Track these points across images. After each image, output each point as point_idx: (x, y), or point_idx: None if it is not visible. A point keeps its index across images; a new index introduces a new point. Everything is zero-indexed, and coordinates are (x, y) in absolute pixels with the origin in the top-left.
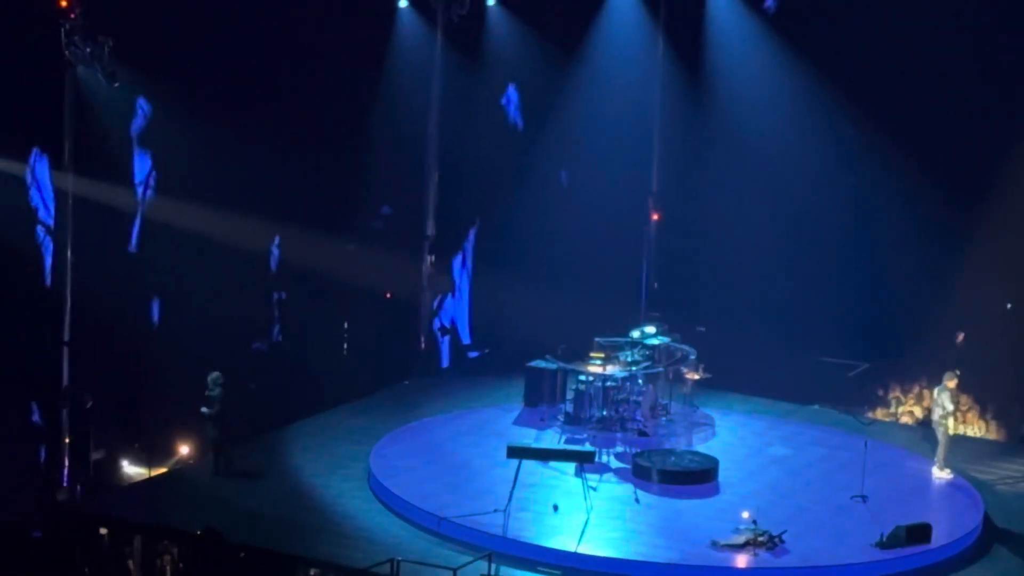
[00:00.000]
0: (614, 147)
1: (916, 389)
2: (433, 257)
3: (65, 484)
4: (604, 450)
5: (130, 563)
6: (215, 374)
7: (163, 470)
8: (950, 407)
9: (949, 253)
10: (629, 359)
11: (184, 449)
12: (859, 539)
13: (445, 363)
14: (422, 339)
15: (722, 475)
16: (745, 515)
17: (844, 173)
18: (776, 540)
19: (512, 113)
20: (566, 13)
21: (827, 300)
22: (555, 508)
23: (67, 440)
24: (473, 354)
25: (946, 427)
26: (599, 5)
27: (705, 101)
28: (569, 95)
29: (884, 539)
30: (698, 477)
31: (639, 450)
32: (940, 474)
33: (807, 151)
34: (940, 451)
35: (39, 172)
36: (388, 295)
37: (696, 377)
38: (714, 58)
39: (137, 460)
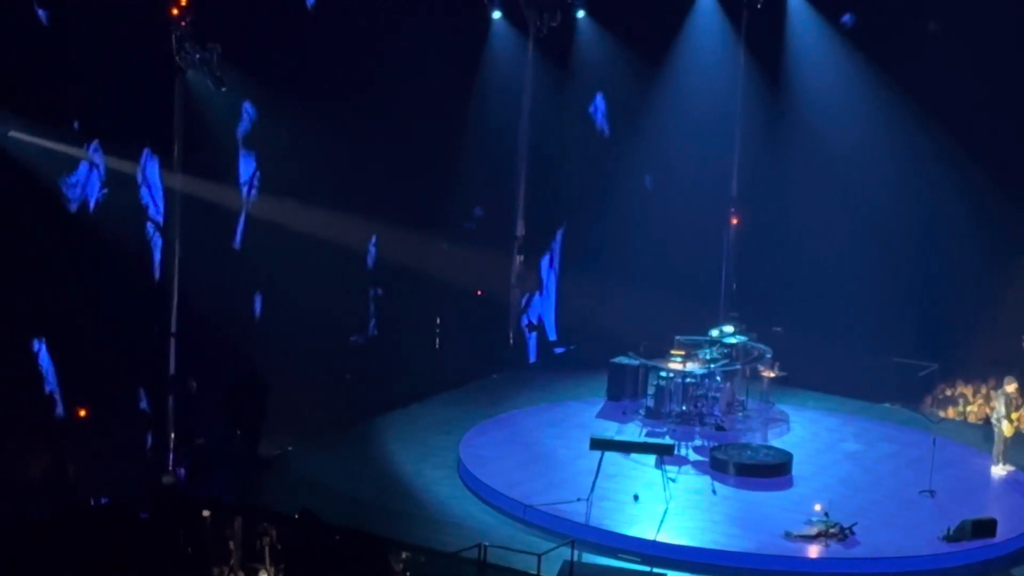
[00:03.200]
0: (696, 153)
1: (983, 390)
2: (522, 256)
3: (170, 468)
4: (683, 443)
5: (231, 544)
6: None
7: (263, 455)
8: (1003, 410)
9: (1018, 256)
10: (708, 357)
11: (283, 436)
12: (926, 532)
13: (532, 358)
14: (511, 335)
15: (796, 469)
16: (817, 507)
17: (916, 179)
18: (847, 532)
19: (599, 120)
20: (652, 24)
21: (899, 301)
22: (635, 498)
23: (172, 426)
24: (559, 350)
25: (1000, 428)
26: (683, 17)
27: (784, 109)
28: (654, 103)
29: (950, 532)
30: (773, 470)
31: (717, 444)
32: (997, 470)
33: (881, 158)
34: (995, 449)
35: (150, 172)
36: (479, 292)
37: (772, 375)
38: (793, 68)
39: (238, 445)
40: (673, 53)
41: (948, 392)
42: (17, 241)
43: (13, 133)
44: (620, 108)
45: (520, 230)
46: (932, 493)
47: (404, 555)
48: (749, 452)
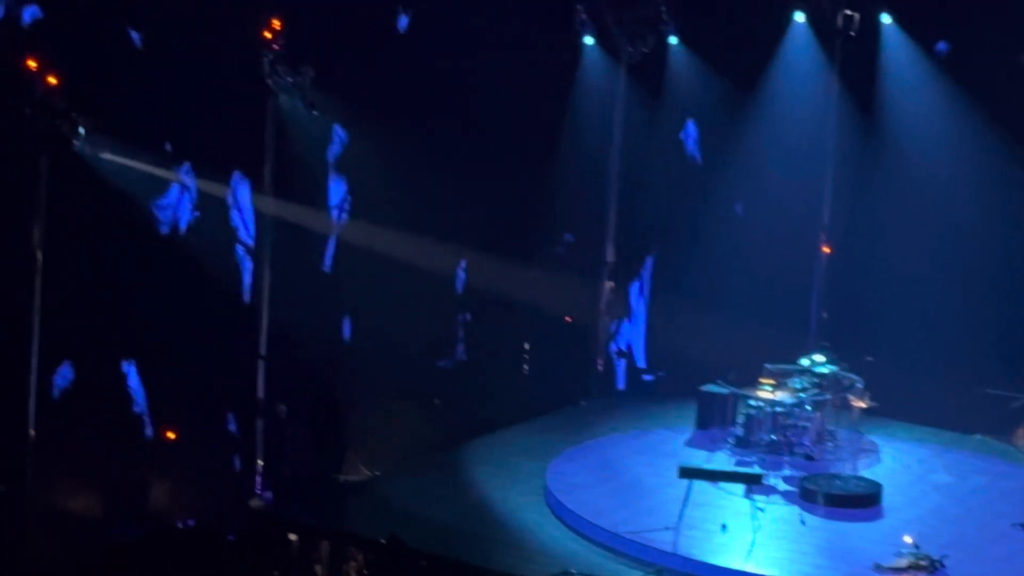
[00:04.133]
0: (788, 181)
1: None
2: (612, 283)
3: (258, 491)
4: (772, 473)
5: (318, 568)
6: None
7: (350, 480)
8: None
9: None
10: (798, 386)
11: (369, 460)
12: (1018, 566)
13: (621, 385)
14: (599, 361)
15: (886, 500)
16: (907, 539)
17: (1010, 210)
18: (937, 564)
19: (690, 146)
20: (744, 51)
21: (992, 332)
22: (723, 527)
23: (260, 449)
24: (648, 377)
25: None
26: (776, 44)
27: (877, 138)
28: (746, 130)
29: None
30: (862, 501)
31: (806, 474)
32: None
33: (974, 188)
34: None
35: (240, 195)
36: (568, 318)
37: (863, 405)
38: (886, 96)
39: (326, 470)
40: (765, 80)
41: None
42: (107, 262)
43: (105, 155)
44: (711, 135)
45: (610, 256)
46: None
47: None
48: (839, 482)
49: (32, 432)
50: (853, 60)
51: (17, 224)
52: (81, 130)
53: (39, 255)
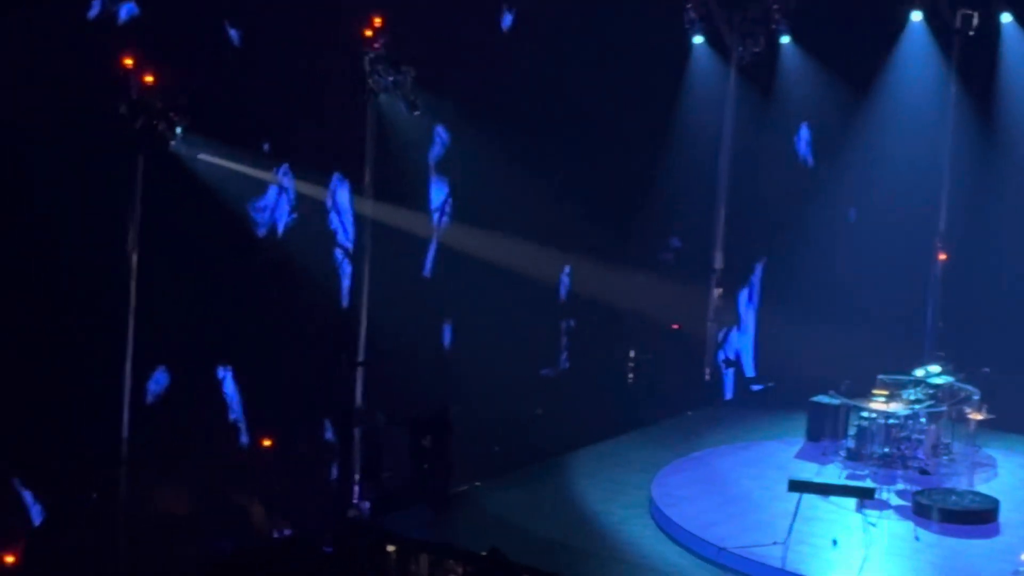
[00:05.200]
0: (903, 186)
1: None
2: (720, 290)
3: (355, 501)
4: (885, 487)
5: None
6: None
7: (451, 491)
8: None
9: None
10: (912, 397)
11: (470, 471)
12: None
13: (729, 395)
14: (707, 371)
15: (1003, 516)
16: None
17: None
18: None
19: (802, 149)
20: (859, 51)
21: None
22: (834, 543)
23: (358, 458)
24: (757, 387)
25: None
26: (892, 43)
27: (995, 141)
28: (859, 133)
29: None
30: (979, 517)
31: (920, 488)
32: None
33: None
34: None
35: (340, 197)
36: (675, 326)
37: (979, 417)
38: (1006, 97)
39: (425, 480)
40: (880, 80)
41: None
42: (204, 265)
43: (203, 155)
44: (824, 137)
45: (718, 262)
46: None
47: None
48: (954, 497)
49: (125, 439)
50: (971, 60)
51: (112, 226)
52: (178, 129)
53: (134, 257)
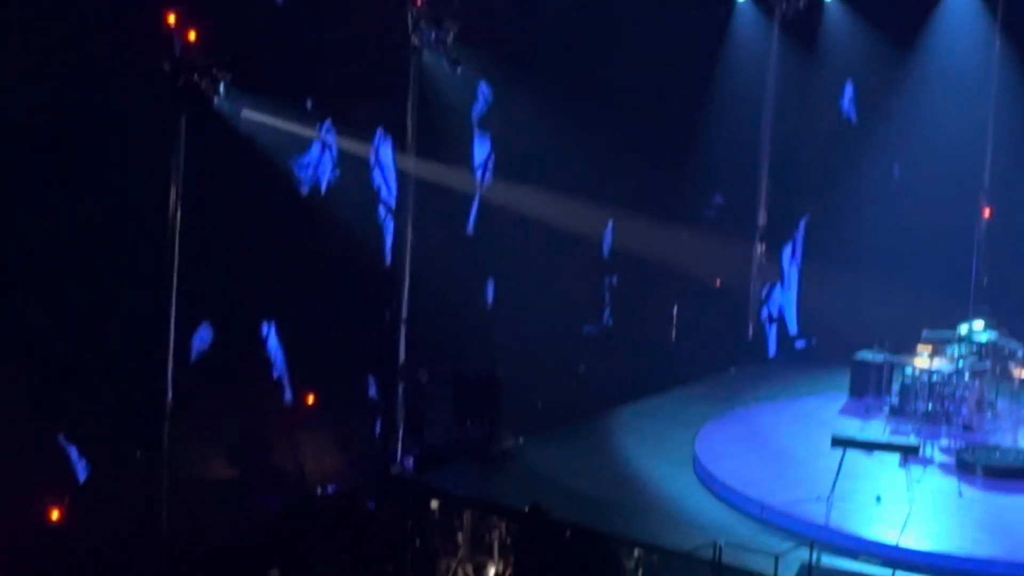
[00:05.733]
0: (947, 142)
1: None
2: (763, 247)
3: (399, 458)
4: (928, 443)
5: (459, 537)
6: None
7: (493, 448)
8: None
9: None
10: (956, 354)
11: (512, 428)
12: None
13: (772, 352)
14: (750, 327)
15: None
16: None
17: None
18: None
19: (846, 106)
20: (903, 7)
21: None
22: (878, 499)
23: (402, 415)
24: (800, 344)
25: None
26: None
27: None
28: (903, 89)
29: None
30: (1023, 473)
31: (964, 445)
32: None
33: None
34: None
35: (383, 154)
36: (718, 283)
37: None
38: None
39: (468, 437)
40: (925, 35)
41: None
42: (247, 222)
43: (245, 112)
44: (868, 93)
45: (761, 219)
46: None
47: (636, 553)
48: (998, 454)
49: (169, 396)
50: (1017, 13)
51: (155, 183)
52: (221, 87)
53: (177, 215)
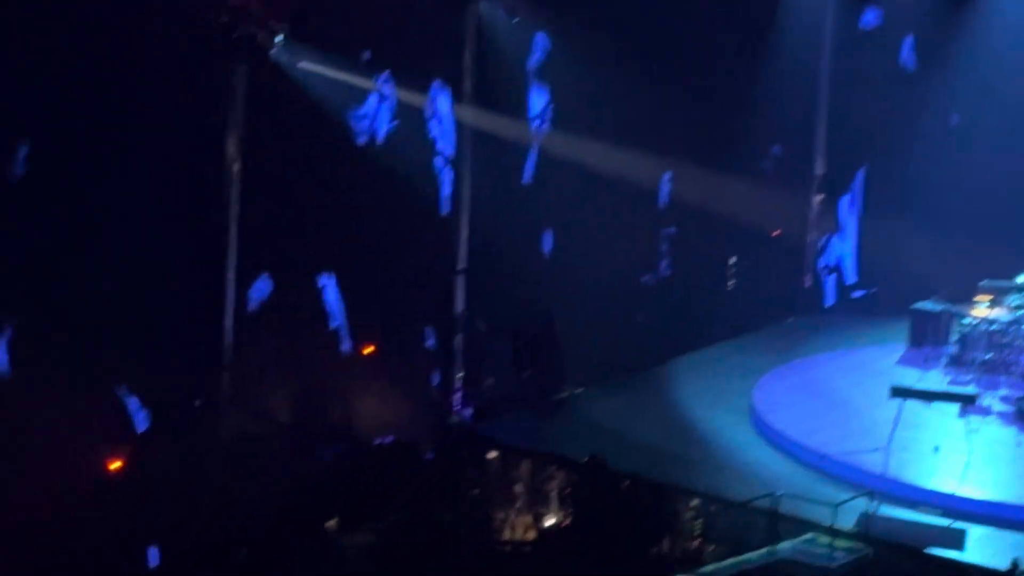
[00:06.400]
0: (1007, 90)
1: None
2: (821, 196)
3: (457, 408)
4: (987, 393)
5: (517, 487)
6: None
7: (551, 397)
8: None
9: None
10: (1015, 303)
11: (570, 378)
12: None
13: (829, 302)
14: (807, 277)
15: None
16: None
17: None
18: None
19: (904, 54)
20: None
21: None
22: (936, 449)
23: (460, 365)
24: (858, 293)
25: None
26: None
27: None
28: (962, 36)
29: None
30: None
31: (1023, 394)
32: None
33: None
34: None
35: (440, 104)
36: (776, 232)
37: None
38: None
39: (526, 387)
40: None
41: None
42: (305, 173)
43: (303, 63)
44: (927, 41)
45: (819, 168)
46: None
47: (694, 503)
48: None
49: (228, 346)
50: None
51: (214, 135)
52: (278, 38)
53: (235, 167)
